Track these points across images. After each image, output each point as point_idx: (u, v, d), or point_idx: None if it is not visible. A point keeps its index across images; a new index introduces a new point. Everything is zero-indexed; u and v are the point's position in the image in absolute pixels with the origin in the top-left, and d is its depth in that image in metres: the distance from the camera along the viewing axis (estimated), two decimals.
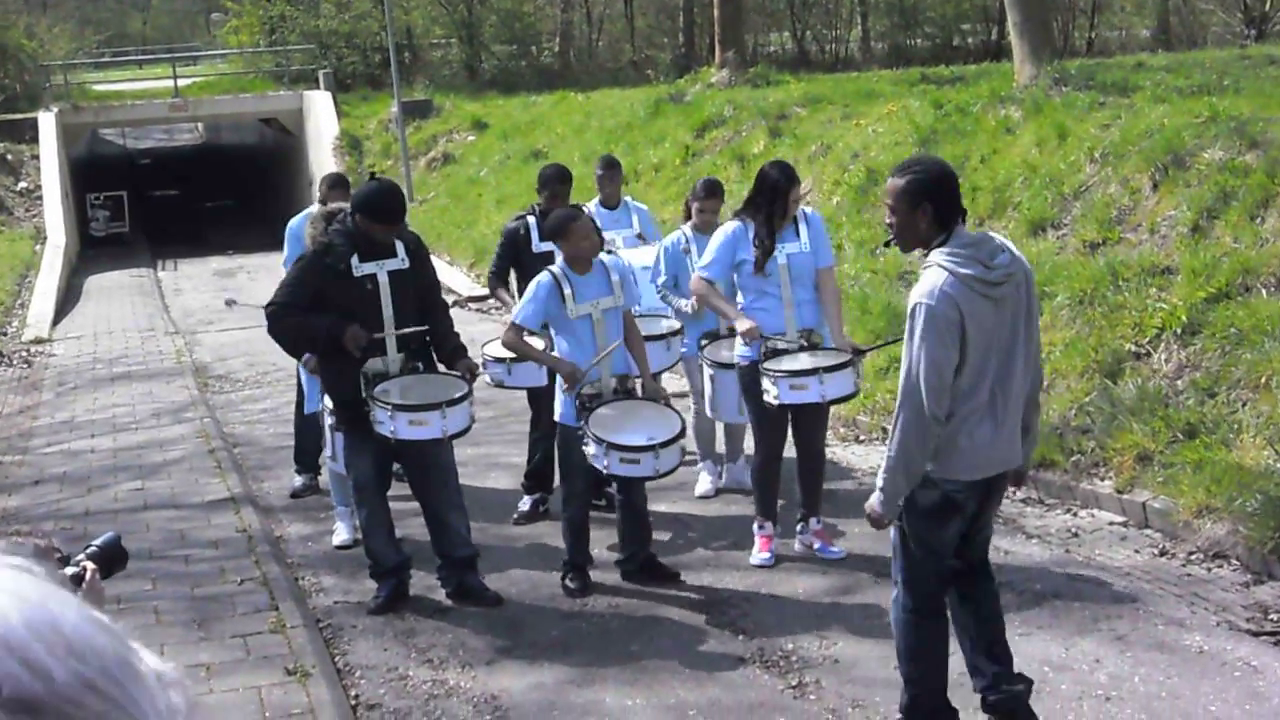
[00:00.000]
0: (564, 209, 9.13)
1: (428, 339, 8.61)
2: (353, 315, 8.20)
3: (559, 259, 8.72)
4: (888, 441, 6.13)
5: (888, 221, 6.08)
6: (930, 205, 5.85)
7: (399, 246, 8.44)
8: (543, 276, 8.62)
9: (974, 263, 5.73)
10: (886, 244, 6.50)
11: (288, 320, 8.33)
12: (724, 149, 21.63)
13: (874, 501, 6.14)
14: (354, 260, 8.26)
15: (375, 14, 41.25)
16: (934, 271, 5.78)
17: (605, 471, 8.36)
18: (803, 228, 8.94)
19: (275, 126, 42.00)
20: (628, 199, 11.44)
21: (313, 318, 8.24)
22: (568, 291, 8.52)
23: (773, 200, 8.84)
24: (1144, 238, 11.99)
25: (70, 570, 4.57)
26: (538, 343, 8.82)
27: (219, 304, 24.39)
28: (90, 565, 4.60)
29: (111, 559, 4.64)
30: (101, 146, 54.78)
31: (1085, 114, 14.95)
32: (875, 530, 6.49)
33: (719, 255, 8.95)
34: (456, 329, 8.93)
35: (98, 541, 4.50)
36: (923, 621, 6.34)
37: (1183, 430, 9.65)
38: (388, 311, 8.32)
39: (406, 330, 8.35)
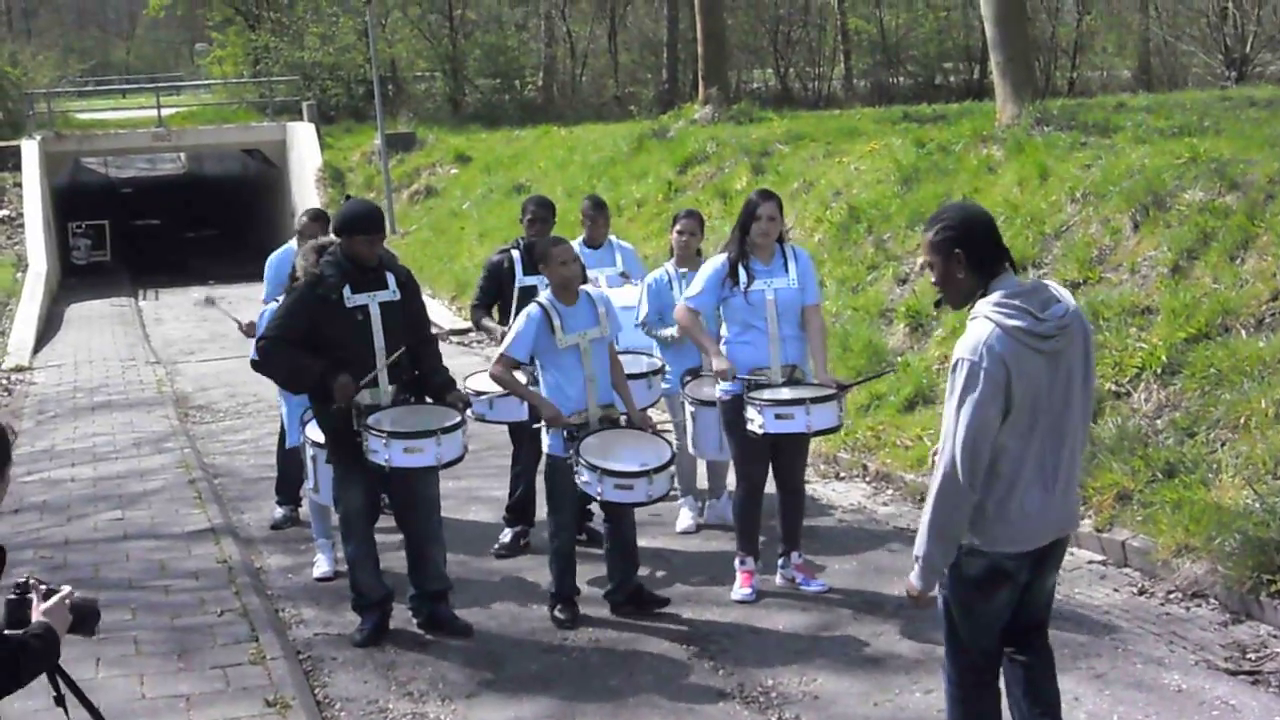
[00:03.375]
0: (548, 237, 9.21)
1: (416, 372, 8.61)
2: (344, 347, 8.22)
3: (546, 291, 8.76)
4: (924, 507, 5.56)
5: (933, 282, 5.64)
6: (963, 253, 5.40)
7: (389, 278, 8.46)
8: (531, 308, 8.68)
9: (1023, 314, 5.26)
10: (936, 304, 6.04)
11: (280, 355, 8.33)
12: (707, 185, 21.68)
13: (912, 576, 5.56)
14: (346, 291, 8.28)
15: (359, 46, 41.41)
16: (980, 324, 5.30)
17: (599, 498, 8.39)
18: (791, 264, 8.98)
19: (258, 157, 42.08)
20: (612, 238, 11.46)
21: (305, 360, 8.24)
22: (557, 322, 8.58)
23: (747, 216, 8.93)
24: (1124, 278, 12.05)
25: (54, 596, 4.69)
26: (523, 378, 8.86)
27: (200, 334, 24.36)
28: (68, 589, 4.83)
29: (86, 615, 4.92)
30: (84, 175, 54.74)
31: (1067, 154, 15.02)
32: (916, 605, 5.69)
33: (707, 285, 9.00)
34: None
35: (89, 596, 4.92)
36: (969, 695, 5.81)
37: (1162, 469, 9.69)
38: (379, 342, 8.32)
39: (394, 356, 8.35)
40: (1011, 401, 5.26)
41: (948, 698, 5.90)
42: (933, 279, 5.61)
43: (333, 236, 8.69)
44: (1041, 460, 5.41)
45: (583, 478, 8.33)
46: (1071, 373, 5.42)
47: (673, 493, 9.65)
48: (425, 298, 8.98)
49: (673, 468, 8.52)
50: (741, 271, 8.88)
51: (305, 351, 8.26)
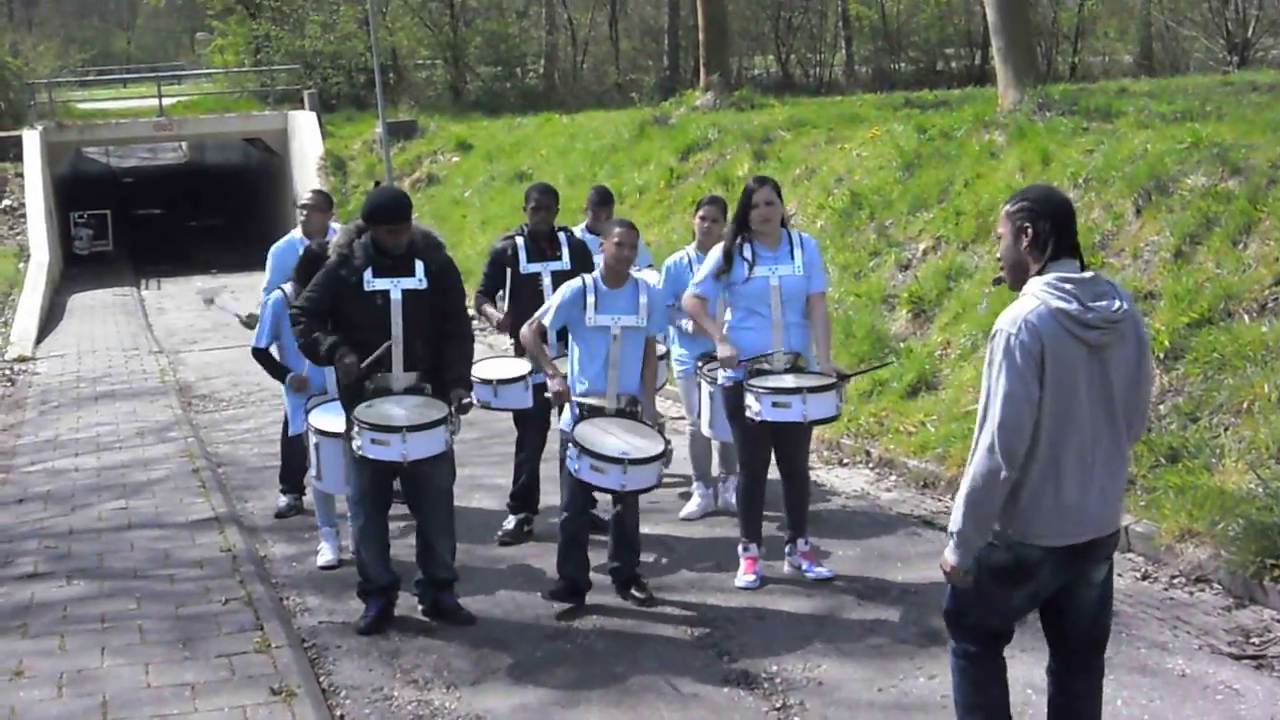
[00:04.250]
0: (620, 218, 9.29)
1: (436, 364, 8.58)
2: (360, 329, 8.24)
3: (596, 270, 8.87)
4: (962, 481, 5.48)
5: (998, 256, 5.63)
6: (1032, 229, 5.41)
7: (418, 266, 8.44)
8: (575, 281, 8.83)
9: (1070, 298, 5.24)
10: (996, 280, 6.00)
11: (304, 324, 8.38)
12: (709, 172, 21.67)
13: (947, 552, 5.51)
14: (367, 275, 8.29)
15: (360, 35, 41.31)
16: (1025, 300, 5.33)
17: (575, 475, 8.43)
18: (797, 251, 8.96)
19: (260, 146, 42.04)
20: None
21: (320, 333, 8.27)
22: (590, 300, 8.67)
23: (745, 204, 8.96)
24: (1127, 263, 12.05)
25: None
26: (550, 351, 8.97)
27: (203, 323, 24.36)
28: None
29: None
30: (86, 165, 54.72)
31: (1069, 139, 15.01)
32: (950, 580, 5.62)
33: (708, 275, 9.01)
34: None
35: None
36: (973, 665, 5.78)
37: (1165, 455, 9.70)
38: (396, 330, 8.30)
39: (379, 350, 8.34)
40: (1044, 380, 5.24)
41: (954, 670, 5.86)
42: (998, 252, 5.62)
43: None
44: (1081, 455, 5.35)
45: (569, 452, 8.45)
46: (1118, 372, 5.39)
47: (670, 479, 9.63)
48: None
49: (659, 465, 8.47)
50: (741, 258, 8.88)
51: (325, 326, 8.30)
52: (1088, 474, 5.38)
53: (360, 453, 8.21)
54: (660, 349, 10.27)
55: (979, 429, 5.37)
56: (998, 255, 5.62)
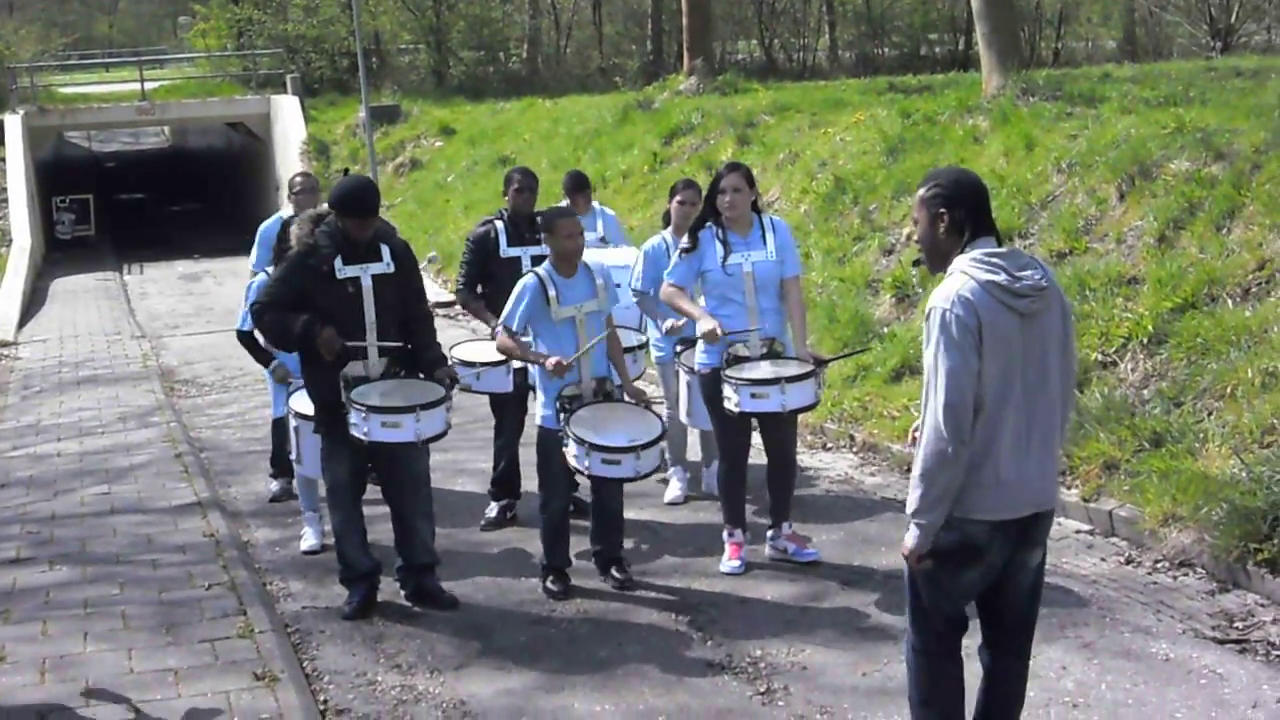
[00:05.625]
0: (556, 207, 9.24)
1: (408, 347, 8.57)
2: (334, 318, 8.19)
3: (546, 261, 8.78)
4: (914, 463, 5.50)
5: (916, 240, 5.68)
6: (948, 213, 5.47)
7: (384, 250, 8.42)
8: (528, 278, 8.70)
9: (998, 270, 5.31)
10: (915, 263, 6.07)
11: (268, 317, 8.33)
12: (692, 156, 21.66)
13: (907, 537, 5.49)
14: (337, 262, 8.25)
15: (343, 19, 41.20)
16: (955, 277, 5.37)
17: (586, 473, 8.40)
18: (769, 235, 8.93)
19: (242, 131, 41.97)
20: (595, 204, 11.47)
21: (290, 316, 8.22)
22: (552, 294, 8.59)
23: (713, 189, 8.94)
24: (1110, 248, 12.06)
25: None
26: (526, 341, 8.89)
27: (185, 308, 24.30)
28: None
29: None
30: (67, 149, 54.56)
31: (1052, 124, 15.02)
32: (912, 566, 5.58)
33: (685, 261, 8.98)
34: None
35: None
36: (931, 662, 5.77)
37: (1149, 439, 9.71)
38: (370, 316, 8.30)
39: (389, 345, 8.33)
40: (983, 355, 5.27)
41: (909, 667, 5.88)
42: (915, 237, 5.64)
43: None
44: (1018, 429, 5.38)
45: (571, 451, 8.35)
46: (1048, 343, 5.44)
47: (662, 466, 9.63)
48: None
49: (663, 443, 8.50)
50: (719, 245, 8.85)
51: (289, 316, 8.25)
52: (1025, 449, 5.42)
53: (368, 439, 8.18)
54: (640, 338, 10.28)
55: (924, 409, 5.40)
56: (916, 239, 5.63)
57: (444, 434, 8.42)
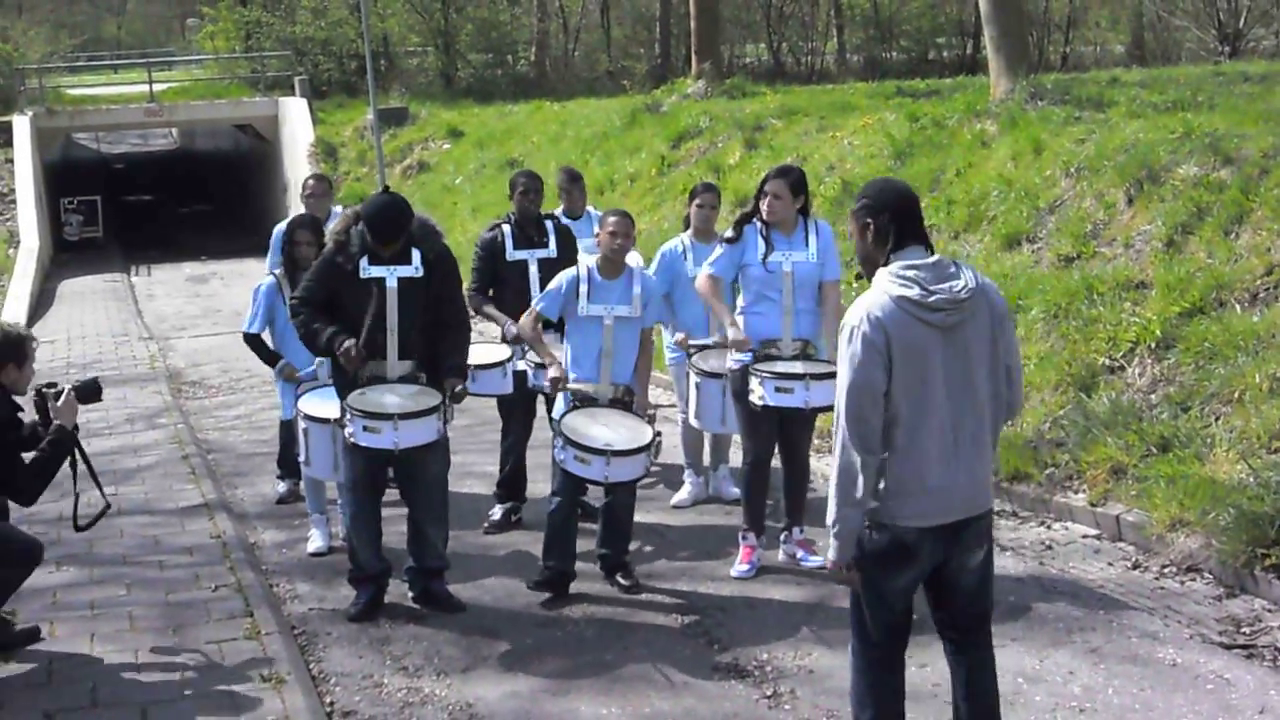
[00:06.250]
0: (614, 208, 9.36)
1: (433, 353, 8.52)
2: (358, 317, 8.22)
3: (592, 259, 8.90)
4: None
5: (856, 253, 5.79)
6: (873, 224, 5.57)
7: (415, 254, 8.38)
8: (571, 270, 8.87)
9: (912, 284, 5.35)
10: (858, 275, 6.13)
11: (303, 315, 8.36)
12: (700, 160, 21.64)
13: (830, 551, 5.57)
14: (363, 262, 8.27)
15: (351, 21, 41.27)
16: (871, 292, 5.45)
17: (561, 465, 8.46)
18: (813, 238, 8.95)
19: (250, 133, 41.94)
20: (590, 209, 11.48)
21: (319, 322, 8.26)
22: (584, 289, 8.72)
23: (760, 187, 8.97)
24: (1118, 252, 12.04)
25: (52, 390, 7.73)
26: (549, 338, 9.03)
27: (192, 309, 24.30)
28: (69, 387, 7.93)
29: (90, 392, 8.29)
30: (76, 151, 54.53)
31: (1060, 128, 15.01)
32: (836, 580, 5.71)
33: (727, 252, 8.98)
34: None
35: (81, 379, 7.69)
36: (870, 668, 5.82)
37: (1156, 444, 9.69)
38: (392, 319, 8.29)
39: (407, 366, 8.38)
40: (893, 368, 5.32)
41: (852, 669, 5.90)
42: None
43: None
44: (943, 436, 5.43)
45: (555, 441, 8.46)
46: (972, 349, 5.45)
47: (657, 467, 9.59)
48: None
49: (644, 457, 8.45)
50: (761, 241, 8.86)
51: (324, 315, 8.28)
52: (951, 455, 5.45)
53: (352, 440, 8.20)
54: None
55: (835, 423, 5.45)
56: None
57: (436, 444, 8.35)
